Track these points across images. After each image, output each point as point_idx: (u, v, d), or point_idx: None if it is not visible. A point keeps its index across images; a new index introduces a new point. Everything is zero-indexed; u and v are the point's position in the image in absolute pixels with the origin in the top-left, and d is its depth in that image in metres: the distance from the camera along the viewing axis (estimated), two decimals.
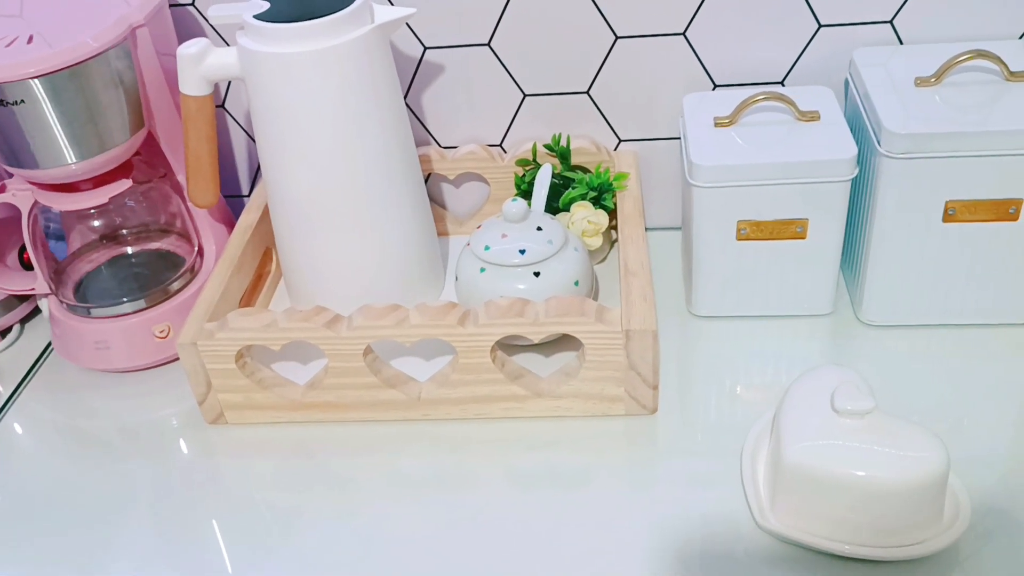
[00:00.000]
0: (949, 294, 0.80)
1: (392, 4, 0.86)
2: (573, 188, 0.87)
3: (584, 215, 0.85)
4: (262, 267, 0.91)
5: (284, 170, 0.78)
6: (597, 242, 0.86)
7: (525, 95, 0.91)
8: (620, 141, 0.94)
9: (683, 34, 0.86)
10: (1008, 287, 0.79)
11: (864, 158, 0.78)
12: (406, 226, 0.83)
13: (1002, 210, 0.75)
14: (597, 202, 0.87)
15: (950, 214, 0.75)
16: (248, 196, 1.01)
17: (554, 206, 0.90)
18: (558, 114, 0.92)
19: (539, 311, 0.72)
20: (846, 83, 0.86)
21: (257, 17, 0.73)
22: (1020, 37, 0.84)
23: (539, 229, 0.78)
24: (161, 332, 0.84)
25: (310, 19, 0.71)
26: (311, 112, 0.74)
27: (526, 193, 0.92)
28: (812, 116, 0.80)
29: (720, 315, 0.86)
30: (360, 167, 0.78)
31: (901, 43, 0.85)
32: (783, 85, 0.89)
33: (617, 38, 0.87)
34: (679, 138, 0.92)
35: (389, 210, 0.81)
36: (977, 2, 0.82)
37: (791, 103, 0.80)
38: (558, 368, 0.78)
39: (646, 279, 0.76)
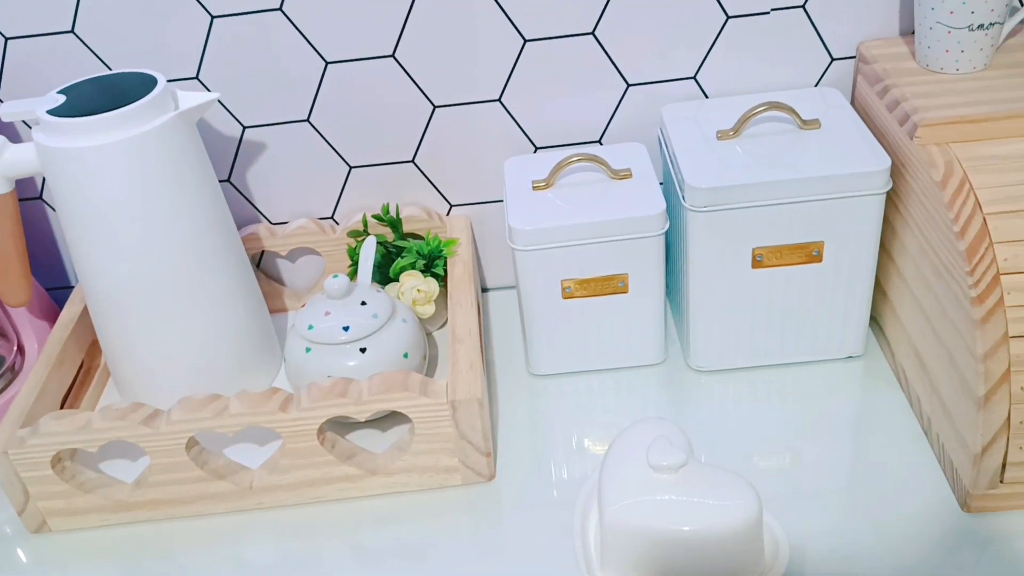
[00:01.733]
0: (767, 336, 0.83)
1: (205, 86, 0.86)
2: (402, 257, 0.87)
3: (413, 284, 0.85)
4: (91, 360, 0.88)
5: (95, 263, 0.76)
6: (430, 310, 0.86)
7: (351, 167, 0.92)
8: (451, 206, 0.94)
9: (499, 100, 0.88)
10: (820, 325, 0.82)
11: (674, 211, 0.80)
12: (233, 309, 0.82)
13: (806, 253, 0.78)
14: (427, 269, 0.88)
15: (758, 260, 0.78)
16: (75, 287, 0.98)
17: (388, 276, 0.90)
18: (387, 183, 0.93)
19: (363, 389, 0.72)
20: (659, 138, 0.89)
21: (53, 112, 0.72)
22: (815, 85, 0.89)
23: (363, 304, 0.78)
24: None
25: (114, 108, 0.70)
26: (115, 205, 0.73)
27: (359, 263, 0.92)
28: (624, 174, 0.83)
29: (557, 372, 0.87)
30: (175, 255, 0.76)
31: (707, 96, 0.89)
32: (601, 143, 0.91)
33: (435, 107, 0.88)
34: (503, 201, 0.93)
35: (212, 295, 0.80)
36: (774, 54, 0.87)
37: (603, 163, 0.82)
38: (393, 443, 0.77)
39: (473, 345, 0.76)
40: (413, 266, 0.87)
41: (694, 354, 0.85)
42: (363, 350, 0.77)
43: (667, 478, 0.64)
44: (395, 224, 0.90)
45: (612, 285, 0.81)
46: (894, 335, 0.82)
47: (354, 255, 0.92)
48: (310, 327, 0.77)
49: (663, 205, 0.78)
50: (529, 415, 0.83)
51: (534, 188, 0.83)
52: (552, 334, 0.84)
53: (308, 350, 0.77)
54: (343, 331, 0.76)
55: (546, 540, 0.71)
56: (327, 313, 0.77)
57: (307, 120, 0.88)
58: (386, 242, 0.90)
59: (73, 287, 0.98)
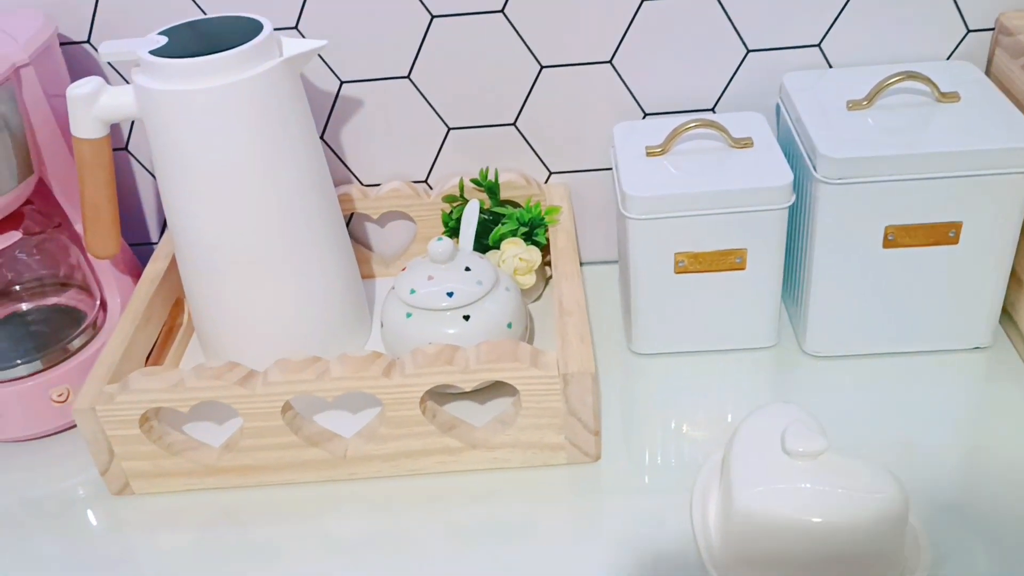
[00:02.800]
0: (892, 322, 0.77)
1: (303, 36, 0.82)
2: (503, 224, 0.83)
3: (515, 252, 0.80)
4: (173, 319, 0.85)
5: (189, 216, 0.72)
6: (530, 280, 0.82)
7: (449, 128, 0.87)
8: (551, 173, 0.90)
9: (610, 62, 0.83)
10: (951, 312, 0.77)
11: (800, 185, 0.75)
12: (326, 271, 0.78)
13: (941, 234, 0.73)
14: (529, 238, 0.83)
15: (890, 239, 0.73)
16: (157, 243, 0.95)
17: (484, 244, 0.85)
18: (485, 147, 0.88)
19: (469, 358, 0.67)
20: (777, 108, 0.84)
21: (154, 53, 0.68)
22: (947, 58, 0.83)
23: (467, 269, 0.74)
24: (60, 396, 0.77)
25: (212, 54, 0.66)
26: (216, 153, 0.69)
27: (454, 231, 0.88)
28: (745, 143, 0.78)
29: (661, 352, 0.82)
30: (272, 210, 0.72)
31: (830, 66, 0.84)
32: (714, 112, 0.86)
33: (542, 68, 0.84)
34: (610, 169, 0.89)
35: (306, 254, 0.76)
36: (904, 24, 0.81)
37: (723, 130, 0.77)
38: (494, 416, 0.73)
39: (582, 318, 0.72)
40: (514, 234, 0.83)
41: (810, 338, 0.79)
42: (466, 318, 0.73)
43: (804, 465, 0.59)
44: (493, 189, 0.86)
45: (729, 260, 0.76)
46: None
47: (449, 221, 0.88)
48: (412, 291, 0.73)
49: (790, 176, 0.73)
50: (631, 395, 0.79)
51: (648, 154, 0.78)
52: (660, 311, 0.79)
53: (409, 315, 0.73)
54: (447, 297, 0.72)
55: (654, 528, 0.66)
56: (430, 277, 0.73)
57: (407, 77, 0.84)
58: (482, 208, 0.86)
59: (155, 243, 0.95)
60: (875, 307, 0.76)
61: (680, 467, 0.71)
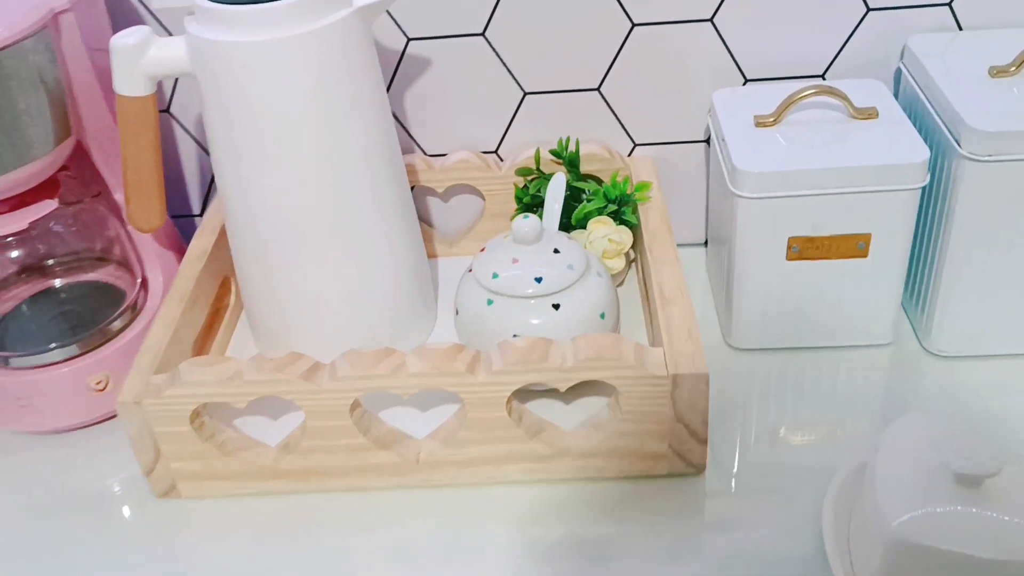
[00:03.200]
0: None
1: None
2: (588, 201, 0.74)
3: (605, 233, 0.72)
4: (219, 300, 0.77)
5: (247, 185, 0.64)
6: (619, 264, 0.73)
7: (525, 93, 0.79)
8: (635, 145, 0.81)
9: (710, 20, 0.74)
10: None
11: (936, 162, 0.66)
12: (393, 250, 0.70)
13: None
14: (617, 217, 0.74)
15: None
16: (200, 216, 0.87)
17: (563, 222, 0.77)
18: (564, 115, 0.79)
19: (566, 354, 0.59)
20: (897, 75, 0.75)
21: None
22: None
23: (556, 252, 0.65)
24: (99, 384, 0.69)
25: (276, 0, 0.58)
26: (279, 114, 0.61)
27: (528, 207, 0.79)
28: (869, 113, 0.69)
29: (764, 347, 0.73)
30: (339, 179, 0.64)
31: (960, 28, 0.74)
32: (823, 79, 0.77)
33: (634, 25, 0.75)
34: (704, 141, 0.80)
35: (374, 230, 0.68)
36: None
37: (845, 98, 0.68)
38: (584, 419, 0.65)
39: (688, 309, 0.63)
40: (601, 212, 0.74)
41: (936, 336, 0.71)
42: (556, 306, 0.64)
43: (968, 488, 0.51)
44: (574, 162, 0.77)
45: (850, 247, 0.68)
46: None
47: (524, 196, 0.79)
48: (495, 275, 0.65)
49: (927, 152, 0.64)
50: (731, 396, 0.70)
51: (757, 125, 0.69)
52: (766, 301, 0.71)
53: (490, 302, 0.65)
54: (535, 282, 0.64)
55: (770, 549, 0.58)
56: (514, 260, 0.65)
57: (482, 34, 0.75)
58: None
59: (198, 216, 0.87)
60: (1019, 302, 0.68)
61: (798, 481, 0.63)
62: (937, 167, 0.66)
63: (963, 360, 0.71)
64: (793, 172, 0.65)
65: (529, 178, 0.80)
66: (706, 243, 0.85)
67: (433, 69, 0.77)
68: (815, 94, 0.68)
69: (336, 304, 0.69)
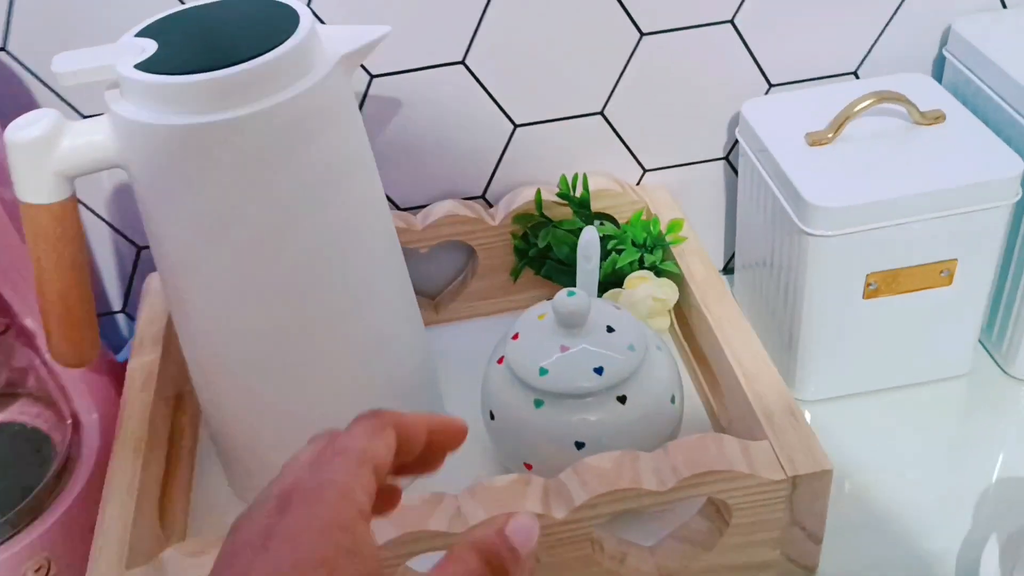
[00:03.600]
0: None
1: (321, 20, 0.58)
2: (619, 253, 0.62)
3: (648, 291, 0.60)
4: (172, 426, 0.61)
5: (220, 296, 0.49)
6: (664, 324, 0.62)
7: (516, 125, 0.66)
8: (645, 171, 0.69)
9: (731, 21, 0.63)
10: None
11: None
12: (400, 348, 0.56)
13: None
14: (654, 269, 0.63)
15: None
16: (123, 313, 0.70)
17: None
18: (560, 147, 0.67)
19: (663, 471, 0.47)
20: (939, 64, 0.66)
21: (142, 68, 0.44)
22: None
23: (610, 330, 0.53)
24: (38, 572, 0.53)
25: (221, 63, 0.43)
26: (254, 202, 0.46)
27: (534, 260, 0.67)
28: (936, 117, 0.59)
29: (834, 396, 0.64)
30: (338, 272, 0.50)
31: (1004, 7, 0.65)
32: (857, 76, 0.67)
33: (642, 35, 0.62)
34: (723, 158, 0.69)
35: (380, 328, 0.54)
36: None
37: (908, 103, 0.58)
38: (670, 531, 0.53)
39: (777, 384, 0.53)
40: (634, 265, 0.62)
41: (1023, 358, 0.62)
42: (622, 399, 0.52)
43: None
44: (584, 203, 0.65)
45: (934, 276, 0.58)
46: None
47: (526, 248, 0.67)
48: (543, 371, 0.52)
49: (1021, 164, 0.55)
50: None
51: (811, 144, 0.59)
52: (837, 346, 0.61)
53: (539, 404, 0.52)
54: (595, 375, 0.51)
55: None
56: (564, 349, 0.52)
57: (462, 62, 0.62)
58: (574, 229, 0.65)
59: (120, 313, 0.70)
60: None
61: (920, 558, 0.53)
62: None
63: None
64: (873, 204, 0.54)
65: (530, 225, 0.67)
66: (726, 269, 0.75)
67: (404, 108, 0.63)
68: (877, 102, 0.58)
69: (330, 418, 0.55)
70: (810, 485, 0.48)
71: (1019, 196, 0.56)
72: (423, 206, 0.68)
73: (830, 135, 0.58)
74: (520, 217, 0.66)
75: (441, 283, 0.72)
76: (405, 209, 0.68)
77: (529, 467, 0.54)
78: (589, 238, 0.58)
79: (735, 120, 0.67)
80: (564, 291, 0.52)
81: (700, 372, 0.62)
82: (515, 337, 0.54)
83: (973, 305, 0.60)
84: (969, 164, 0.56)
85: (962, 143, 0.57)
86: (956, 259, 0.58)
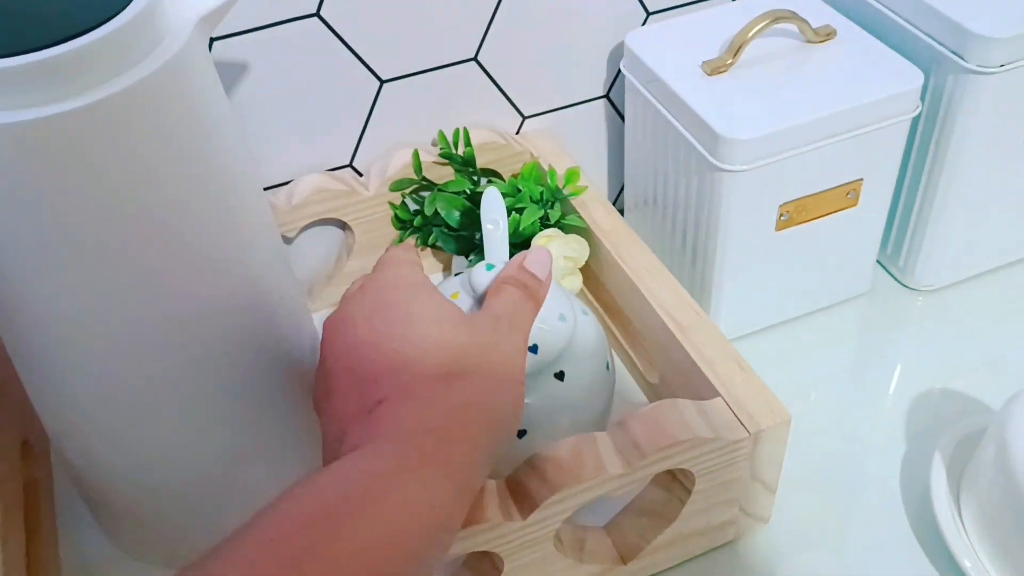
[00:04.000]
0: (1021, 224, 0.62)
1: None
2: (519, 213, 0.56)
3: (559, 250, 0.55)
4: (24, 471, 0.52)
5: (49, 317, 0.40)
6: (577, 284, 0.57)
7: (383, 81, 0.58)
8: (524, 119, 0.64)
9: None
10: None
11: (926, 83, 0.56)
12: (289, 346, 0.49)
13: None
14: (558, 225, 0.58)
15: None
16: None
17: (472, 243, 0.59)
18: (432, 101, 0.60)
19: (625, 448, 0.43)
20: None
21: None
22: None
23: None
24: None
25: (37, 43, 0.34)
26: (99, 210, 0.37)
27: (420, 229, 0.60)
28: (828, 33, 0.57)
29: (747, 333, 0.61)
30: (220, 270, 0.42)
31: None
32: None
33: None
34: (604, 96, 0.65)
35: (265, 326, 0.46)
36: None
37: (801, 21, 0.56)
38: (623, 507, 0.49)
39: (716, 334, 0.50)
40: (541, 224, 0.57)
41: (922, 271, 0.62)
42: (560, 375, 0.47)
43: None
44: (470, 161, 0.59)
45: (841, 198, 0.56)
46: None
47: (409, 217, 0.60)
48: None
49: (920, 76, 0.54)
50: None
51: (710, 72, 0.55)
52: (750, 282, 0.58)
53: None
54: (529, 353, 0.46)
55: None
56: None
57: (316, 14, 0.54)
58: (469, 188, 0.59)
59: None
60: (1015, 213, 0.61)
61: (858, 475, 0.53)
62: (927, 88, 0.56)
63: (949, 289, 0.63)
64: (785, 131, 0.52)
65: (409, 192, 0.60)
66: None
67: (253, 74, 0.55)
68: (771, 23, 0.55)
69: (229, 455, 0.47)
70: (770, 438, 0.45)
71: (919, 109, 0.54)
72: (285, 183, 0.60)
73: (728, 61, 0.55)
74: (398, 183, 0.60)
75: (310, 267, 0.64)
76: (266, 187, 0.60)
77: None
78: (493, 198, 0.52)
79: (615, 54, 0.62)
80: (479, 266, 0.47)
81: (616, 330, 0.58)
82: None
83: (875, 223, 0.60)
84: (872, 80, 0.54)
85: (859, 59, 0.55)
86: (862, 179, 0.56)
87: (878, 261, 0.65)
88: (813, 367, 0.60)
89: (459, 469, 0.34)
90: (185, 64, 0.37)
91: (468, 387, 0.36)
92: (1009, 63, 0.52)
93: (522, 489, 0.42)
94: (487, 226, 0.51)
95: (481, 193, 0.58)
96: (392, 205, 0.61)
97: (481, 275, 0.46)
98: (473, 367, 0.36)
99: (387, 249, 0.44)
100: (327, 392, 0.37)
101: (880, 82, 0.54)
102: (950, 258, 0.62)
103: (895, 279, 0.65)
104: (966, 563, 0.47)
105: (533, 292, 0.41)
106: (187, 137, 0.38)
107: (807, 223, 0.57)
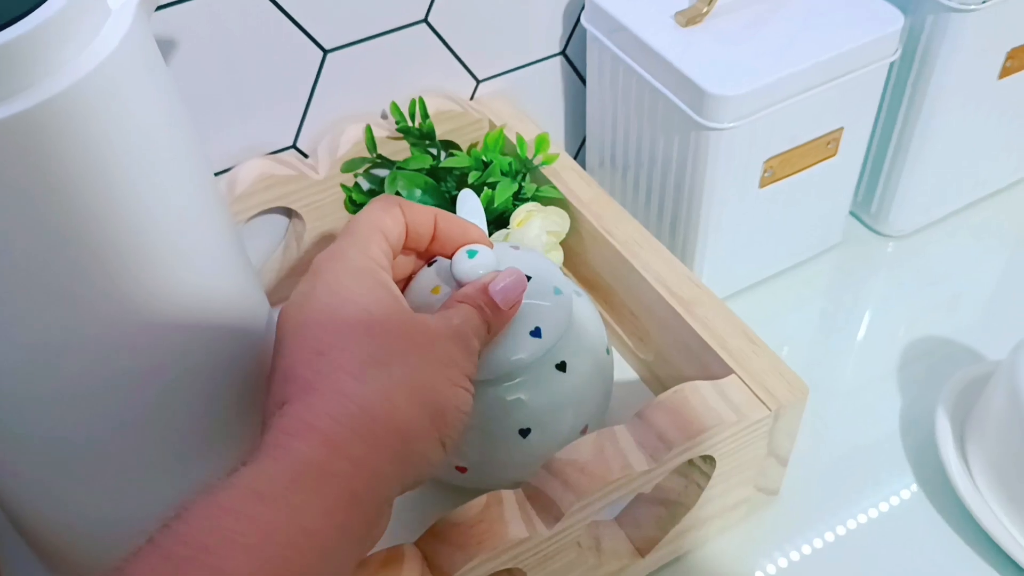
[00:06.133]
0: (997, 161, 0.61)
1: None
2: (492, 188, 0.52)
3: (541, 224, 0.51)
4: None
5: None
6: (559, 259, 0.53)
7: (326, 51, 0.53)
8: (478, 83, 0.59)
9: None
10: None
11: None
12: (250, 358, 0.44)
13: None
14: (534, 199, 0.53)
15: (1007, 66, 0.55)
16: None
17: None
18: (380, 71, 0.55)
19: (647, 442, 0.40)
20: None
21: None
22: None
23: (529, 279, 0.44)
24: None
25: None
26: (48, 213, 0.32)
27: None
28: None
29: (730, 294, 0.59)
30: (179, 280, 0.37)
31: None
32: None
33: None
34: (560, 53, 0.61)
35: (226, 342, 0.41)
36: None
37: None
38: (637, 496, 0.46)
39: (720, 306, 0.47)
40: (518, 198, 0.52)
41: (895, 216, 0.61)
42: (561, 367, 0.44)
43: None
44: (429, 134, 0.54)
45: (822, 149, 0.54)
46: None
47: (363, 201, 0.55)
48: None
49: (900, 17, 0.51)
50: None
51: (684, 24, 0.51)
52: (735, 240, 0.56)
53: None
54: (533, 338, 0.42)
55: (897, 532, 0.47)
56: None
57: None
58: (433, 165, 0.54)
59: None
60: (985, 149, 0.60)
61: (886, 428, 0.52)
62: (905, 29, 0.53)
63: (919, 233, 0.62)
64: (770, 85, 0.49)
65: (363, 171, 0.55)
66: None
67: (181, 50, 0.48)
68: None
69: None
70: (791, 413, 0.43)
71: (899, 53, 0.52)
72: (225, 170, 0.54)
73: (704, 11, 0.51)
74: (350, 164, 0.54)
75: (256, 261, 0.58)
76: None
77: (463, 470, 0.45)
78: (466, 200, 0.47)
79: (571, 8, 0.58)
80: (461, 253, 0.42)
81: (602, 307, 0.55)
82: None
83: (852, 171, 0.58)
84: (851, 24, 0.51)
85: (835, 2, 0.52)
86: (842, 127, 0.54)
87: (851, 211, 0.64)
88: (797, 322, 0.58)
89: (350, 484, 0.30)
90: (134, 48, 0.31)
91: (386, 377, 0.32)
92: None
93: (543, 498, 0.39)
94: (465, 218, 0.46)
95: (442, 169, 0.54)
96: (344, 187, 0.55)
97: (464, 264, 0.41)
98: (400, 354, 0.33)
99: (369, 203, 0.39)
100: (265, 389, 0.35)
101: (860, 26, 0.51)
102: (921, 203, 0.61)
103: (867, 226, 0.63)
104: (983, 520, 0.46)
105: (489, 318, 0.38)
106: (135, 138, 0.33)
107: (789, 177, 0.54)
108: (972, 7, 0.50)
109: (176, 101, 0.36)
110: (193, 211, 0.37)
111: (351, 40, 0.53)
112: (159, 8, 0.45)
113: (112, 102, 0.31)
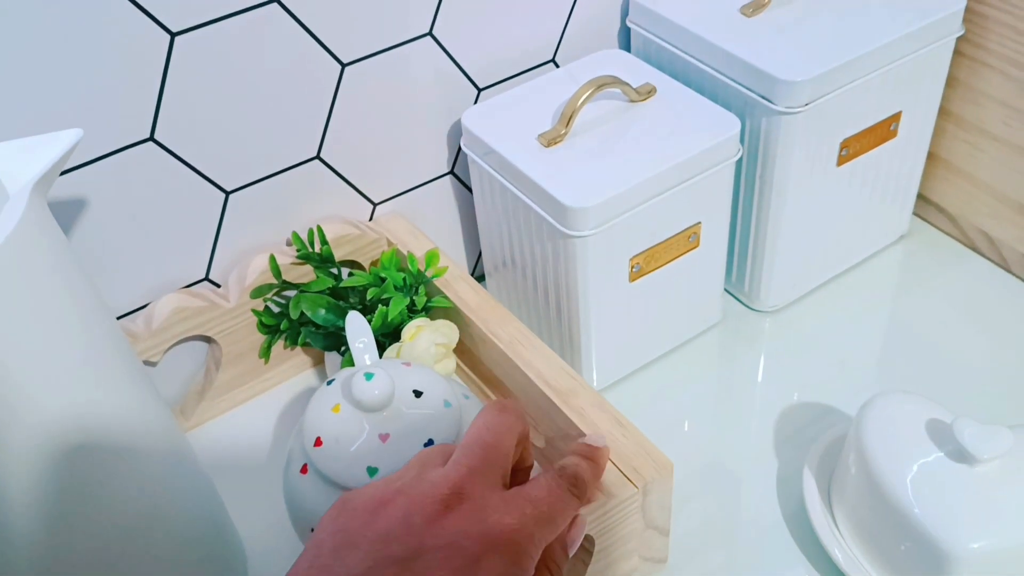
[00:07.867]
0: (839, 241, 0.68)
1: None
2: (385, 304, 0.57)
3: (430, 337, 0.56)
4: None
5: None
6: (451, 366, 0.58)
7: (228, 193, 0.58)
8: (375, 206, 0.65)
9: (430, 33, 0.60)
10: (883, 208, 0.69)
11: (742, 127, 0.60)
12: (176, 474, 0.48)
13: (885, 129, 0.63)
14: (425, 310, 0.59)
15: (843, 155, 0.62)
16: None
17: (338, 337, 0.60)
18: (280, 203, 0.61)
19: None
20: (626, 36, 0.68)
21: None
22: None
23: (418, 395, 0.49)
24: None
25: None
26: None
27: (291, 331, 0.60)
28: (649, 92, 0.60)
29: (620, 378, 0.64)
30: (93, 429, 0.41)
31: None
32: (557, 65, 0.67)
33: (344, 66, 0.57)
34: (449, 172, 0.67)
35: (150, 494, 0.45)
36: None
37: (623, 84, 0.59)
38: None
39: (593, 395, 0.52)
40: (408, 312, 0.58)
41: (766, 292, 0.67)
42: None
43: (986, 470, 0.47)
44: (328, 258, 0.60)
45: (684, 243, 0.60)
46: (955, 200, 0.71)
47: (274, 322, 0.60)
48: (372, 471, 0.46)
49: (737, 122, 0.58)
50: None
51: (547, 145, 0.58)
52: (613, 333, 0.61)
53: None
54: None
55: None
56: (383, 437, 0.47)
57: (151, 139, 0.53)
58: (335, 286, 0.59)
59: None
60: (829, 229, 0.66)
61: (740, 498, 0.56)
62: (745, 131, 0.60)
63: (791, 307, 0.68)
64: (624, 193, 0.54)
65: (270, 296, 0.60)
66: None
67: (93, 205, 0.53)
68: (596, 91, 0.58)
69: None
70: (657, 488, 0.48)
71: (740, 152, 0.59)
72: (142, 307, 0.59)
73: (563, 132, 0.57)
74: (258, 290, 0.60)
75: (179, 386, 0.63)
76: (121, 316, 0.59)
77: None
78: (353, 323, 0.52)
79: (454, 131, 0.64)
80: (358, 377, 0.47)
81: (495, 398, 0.60)
82: (318, 443, 0.48)
83: (718, 258, 0.64)
84: (696, 131, 0.57)
85: (681, 112, 0.59)
86: (700, 222, 0.60)
87: (726, 289, 0.69)
88: (683, 400, 0.63)
89: None
90: (31, 233, 0.36)
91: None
92: (811, 101, 0.57)
93: None
94: (356, 345, 0.51)
95: (344, 288, 0.59)
96: (255, 312, 0.60)
97: (362, 386, 0.46)
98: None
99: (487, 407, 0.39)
100: None
101: (703, 132, 0.57)
102: (788, 280, 0.67)
103: (744, 304, 0.69)
104: (848, 570, 0.51)
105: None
106: (37, 311, 0.37)
107: (657, 270, 0.60)
108: (797, 109, 0.57)
109: (74, 271, 0.41)
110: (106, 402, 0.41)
111: (251, 180, 0.58)
112: (64, 173, 0.51)
113: (10, 281, 0.36)
